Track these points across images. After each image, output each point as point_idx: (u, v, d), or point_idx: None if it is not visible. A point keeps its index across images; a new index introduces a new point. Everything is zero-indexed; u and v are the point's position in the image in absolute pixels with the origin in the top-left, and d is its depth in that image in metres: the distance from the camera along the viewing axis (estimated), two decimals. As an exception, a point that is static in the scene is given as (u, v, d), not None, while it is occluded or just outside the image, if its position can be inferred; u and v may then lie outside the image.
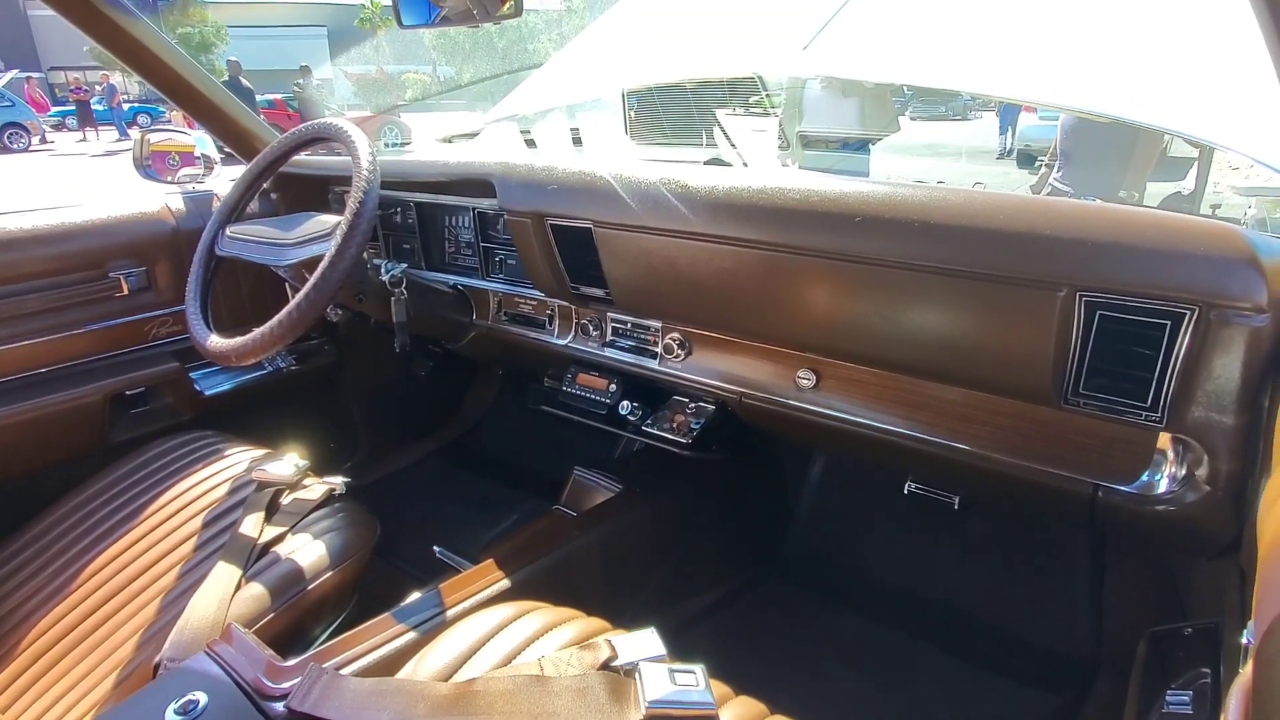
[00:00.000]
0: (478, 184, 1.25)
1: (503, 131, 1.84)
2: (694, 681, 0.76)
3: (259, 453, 1.26)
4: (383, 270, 1.30)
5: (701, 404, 1.24)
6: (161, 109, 24.43)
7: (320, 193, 1.58)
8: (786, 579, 1.44)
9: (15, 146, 15.84)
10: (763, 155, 1.71)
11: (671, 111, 1.62)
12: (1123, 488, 0.83)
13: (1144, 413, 0.75)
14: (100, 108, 19.03)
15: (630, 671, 0.79)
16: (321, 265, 1.11)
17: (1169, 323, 0.69)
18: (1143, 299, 0.69)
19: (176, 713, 0.76)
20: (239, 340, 1.15)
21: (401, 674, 0.85)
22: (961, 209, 0.80)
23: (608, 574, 1.22)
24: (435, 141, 1.81)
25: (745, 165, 1.43)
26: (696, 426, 1.22)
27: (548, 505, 1.29)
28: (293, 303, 1.11)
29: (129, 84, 22.03)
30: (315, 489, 1.18)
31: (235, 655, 0.83)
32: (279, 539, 1.09)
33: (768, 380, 1.11)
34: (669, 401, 1.27)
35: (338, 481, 1.20)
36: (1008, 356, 0.81)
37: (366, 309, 1.34)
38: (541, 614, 0.91)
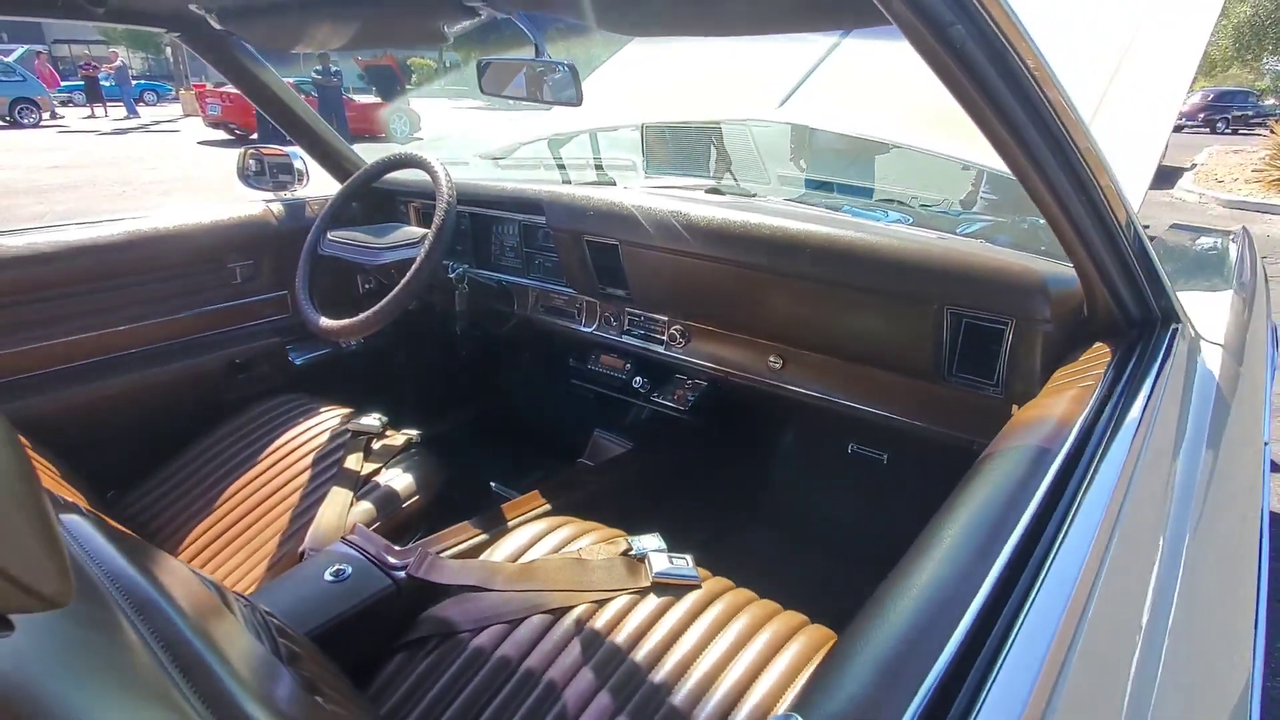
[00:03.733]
0: (528, 204, 1.61)
1: (535, 151, 2.19)
2: (685, 563, 1.13)
3: (343, 411, 1.61)
4: (449, 269, 1.66)
5: (697, 381, 1.60)
6: (168, 86, 24.59)
7: (391, 203, 1.93)
8: (759, 521, 1.80)
9: (26, 122, 16.00)
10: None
11: (678, 145, 1.97)
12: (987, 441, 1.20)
13: (991, 387, 1.11)
14: (108, 84, 19.19)
15: (642, 557, 1.15)
16: (413, 267, 1.46)
17: (1001, 328, 1.06)
18: (983, 313, 1.06)
19: (330, 575, 1.12)
20: (346, 322, 1.51)
21: (480, 559, 1.21)
22: (874, 245, 1.17)
23: (621, 513, 1.59)
24: (478, 158, 2.15)
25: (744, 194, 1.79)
26: (692, 399, 1.59)
27: (572, 461, 1.65)
28: (390, 296, 1.47)
29: (132, 60, 22.17)
30: (396, 438, 1.54)
31: (364, 542, 1.19)
32: (376, 472, 1.45)
33: (746, 363, 1.47)
34: (671, 379, 1.64)
35: (414, 433, 1.56)
36: (906, 347, 1.18)
37: (434, 299, 1.70)
38: (577, 525, 1.27)
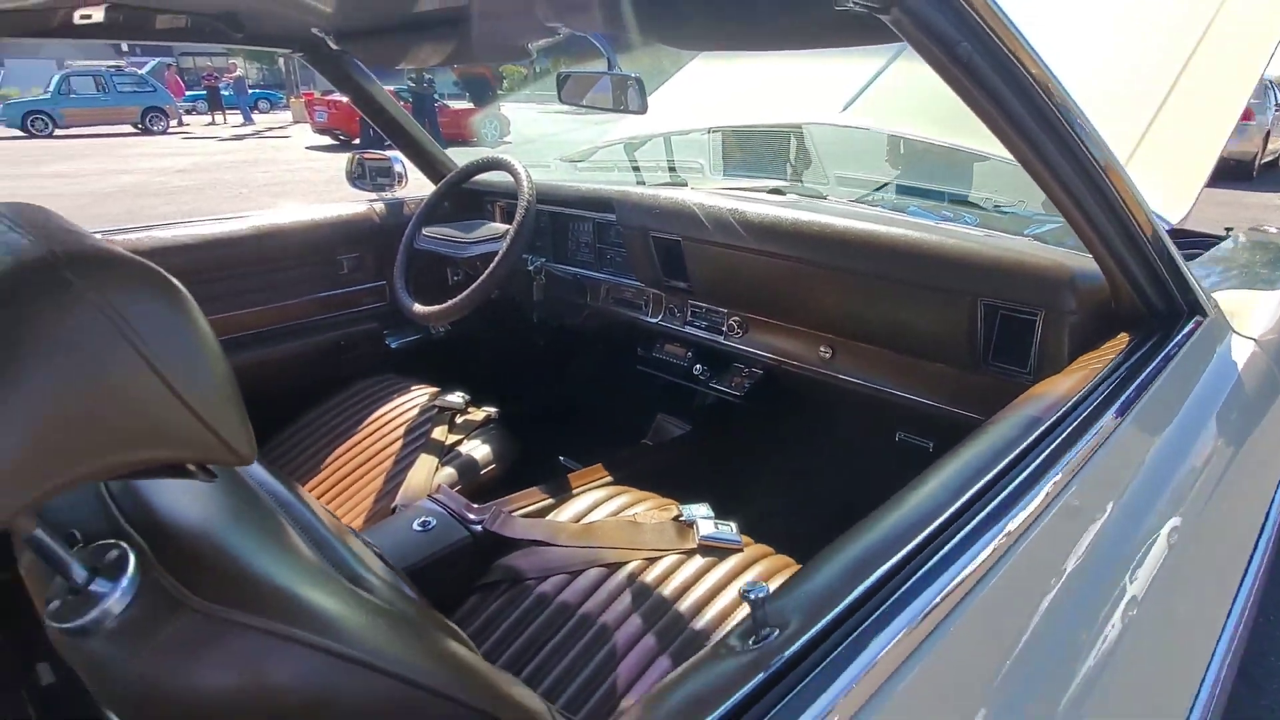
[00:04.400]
0: (600, 203, 1.75)
1: (611, 154, 2.33)
2: (730, 529, 1.24)
3: (431, 389, 1.79)
4: (529, 263, 1.82)
5: (753, 370, 1.70)
6: (279, 94, 26.27)
7: (478, 202, 2.11)
8: (806, 502, 1.88)
9: (155, 129, 17.44)
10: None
11: (744, 148, 2.07)
12: None
13: (1024, 375, 1.17)
14: (227, 93, 20.69)
15: (691, 522, 1.27)
16: (496, 259, 1.63)
17: (1033, 319, 1.12)
18: (1015, 304, 1.12)
19: (418, 525, 1.29)
20: (436, 308, 1.68)
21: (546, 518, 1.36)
22: (915, 241, 1.24)
23: (676, 487, 1.71)
24: (559, 160, 2.32)
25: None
26: (748, 385, 1.69)
27: (635, 442, 1.78)
28: (474, 285, 1.63)
29: (248, 70, 23.79)
30: (477, 414, 1.70)
31: (447, 500, 1.36)
32: (458, 443, 1.62)
33: (799, 352, 1.56)
34: (730, 367, 1.74)
35: (493, 410, 1.73)
36: (945, 337, 1.25)
37: (514, 291, 1.86)
38: (634, 493, 1.40)
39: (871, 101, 1.75)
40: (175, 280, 0.42)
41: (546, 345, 2.19)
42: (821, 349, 1.52)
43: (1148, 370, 0.86)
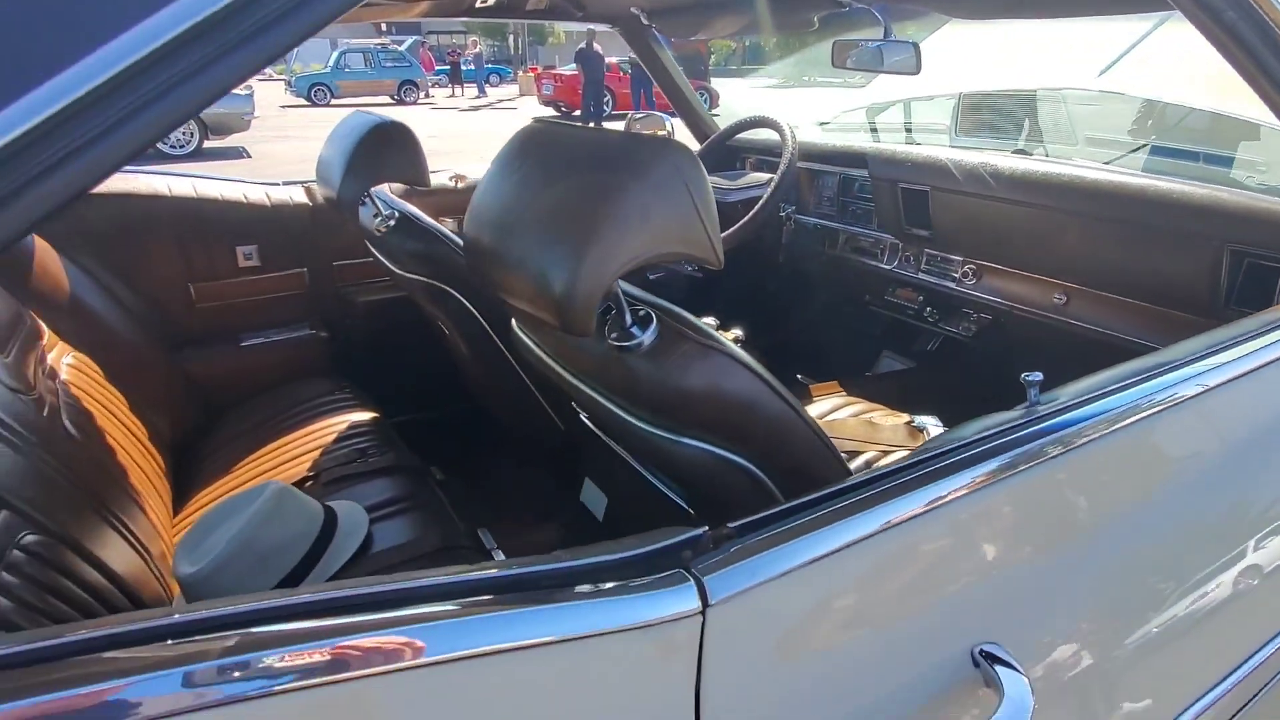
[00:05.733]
0: (852, 157, 1.98)
1: (854, 118, 2.53)
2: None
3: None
4: (781, 209, 2.09)
5: (982, 316, 1.87)
6: (508, 69, 28.51)
7: (732, 157, 2.41)
8: None
9: (409, 100, 19.68)
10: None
11: (991, 113, 2.19)
12: None
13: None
14: (468, 68, 22.79)
15: (923, 428, 1.50)
16: (759, 202, 1.92)
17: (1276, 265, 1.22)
18: (1265, 251, 1.22)
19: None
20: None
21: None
22: (1164, 189, 1.36)
23: (905, 408, 1.92)
24: (812, 124, 2.56)
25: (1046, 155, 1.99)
26: (975, 329, 1.86)
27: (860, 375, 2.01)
28: (742, 221, 1.94)
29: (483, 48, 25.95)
30: (727, 335, 2.02)
31: None
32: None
33: (1033, 297, 1.71)
34: (959, 312, 1.91)
35: (739, 332, 2.03)
36: (1187, 282, 1.36)
37: (765, 234, 2.14)
38: (869, 404, 1.64)
39: (1131, 67, 1.82)
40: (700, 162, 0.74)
41: (789, 284, 2.46)
42: (1056, 296, 1.66)
43: None
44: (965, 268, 1.84)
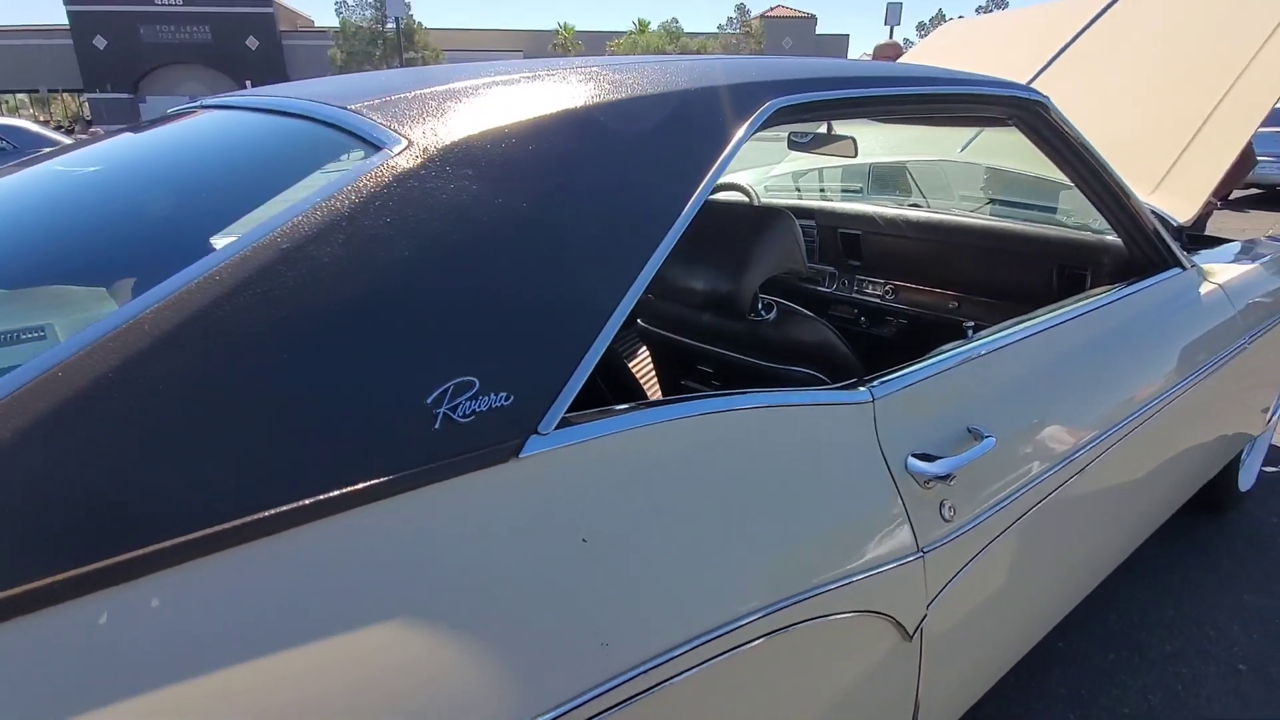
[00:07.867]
0: (801, 212, 2.70)
1: (782, 182, 3.28)
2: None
3: None
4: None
5: (899, 320, 2.60)
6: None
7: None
8: None
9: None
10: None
11: (888, 177, 3.02)
12: None
13: (1080, 307, 2.05)
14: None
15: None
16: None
17: (1084, 273, 2.00)
18: (1077, 264, 2.01)
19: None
20: None
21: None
22: (1017, 229, 2.14)
23: None
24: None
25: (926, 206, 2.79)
26: (895, 330, 2.59)
27: None
28: None
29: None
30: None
31: None
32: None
33: (935, 304, 2.45)
34: (883, 319, 2.64)
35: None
36: (1035, 287, 2.13)
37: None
38: None
39: (982, 146, 2.66)
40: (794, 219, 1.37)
41: None
42: (951, 302, 2.41)
43: (1137, 285, 1.72)
44: (887, 287, 2.58)
